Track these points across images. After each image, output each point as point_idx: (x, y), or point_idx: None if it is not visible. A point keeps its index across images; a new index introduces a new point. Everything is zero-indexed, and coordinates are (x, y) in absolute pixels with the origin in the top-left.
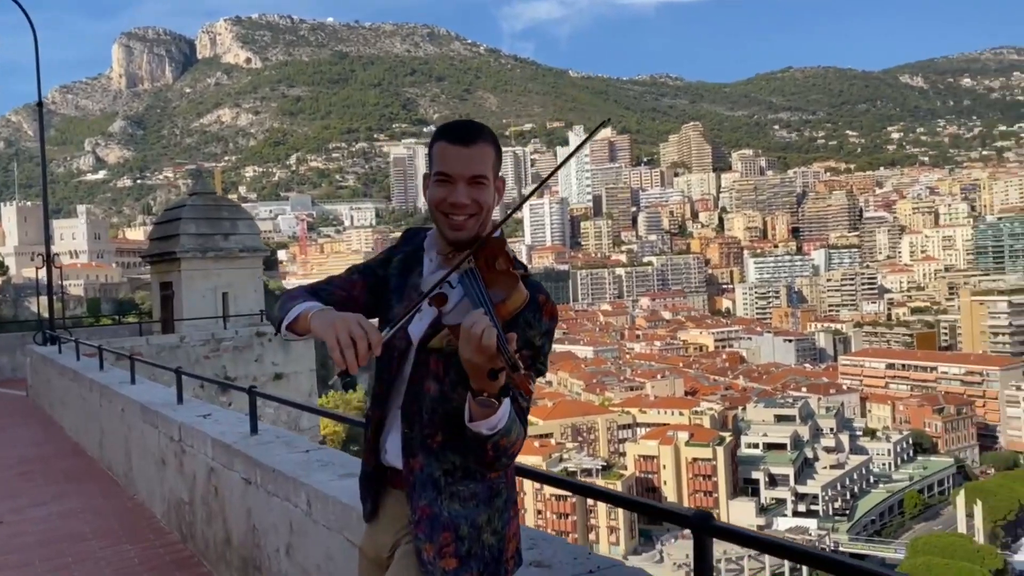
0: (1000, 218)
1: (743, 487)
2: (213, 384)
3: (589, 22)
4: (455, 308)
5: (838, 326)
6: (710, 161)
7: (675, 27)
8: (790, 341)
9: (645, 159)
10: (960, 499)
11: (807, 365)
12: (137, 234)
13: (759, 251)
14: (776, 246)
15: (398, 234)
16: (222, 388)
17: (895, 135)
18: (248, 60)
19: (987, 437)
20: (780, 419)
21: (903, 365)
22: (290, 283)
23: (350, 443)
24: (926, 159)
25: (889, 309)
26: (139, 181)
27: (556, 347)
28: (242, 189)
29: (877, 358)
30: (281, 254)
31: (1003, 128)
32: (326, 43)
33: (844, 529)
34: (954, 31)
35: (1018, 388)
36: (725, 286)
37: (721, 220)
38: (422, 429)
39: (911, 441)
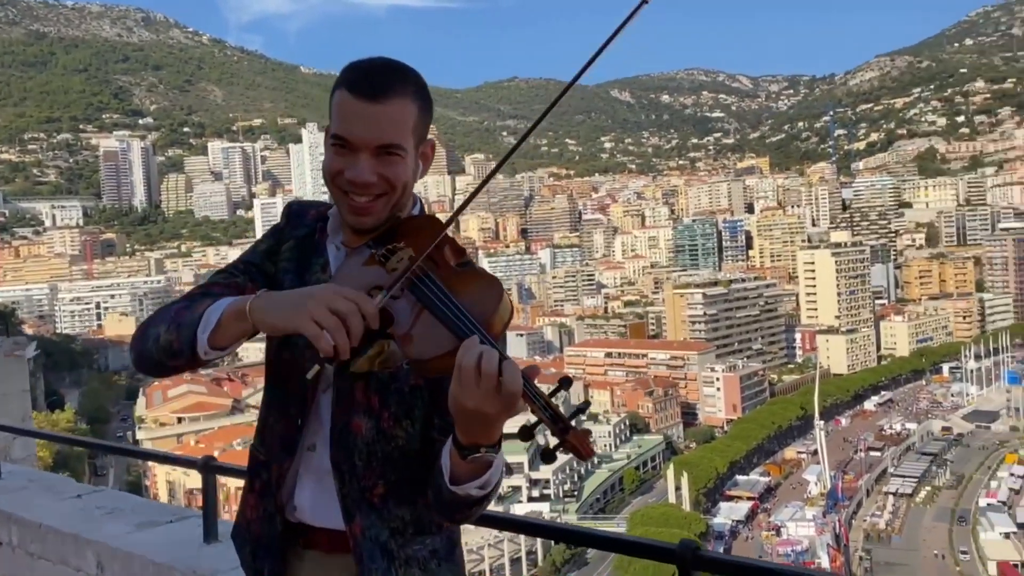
0: (694, 220)
1: None
2: None
3: (320, 19)
4: (414, 325)
5: (564, 320)
6: (445, 164)
7: (406, 30)
8: (522, 335)
9: None
10: (669, 472)
11: (537, 357)
12: None
13: (493, 251)
14: (508, 246)
15: (111, 235)
16: None
17: (607, 144)
18: None
19: (689, 415)
20: None
21: (619, 353)
22: None
23: (58, 468)
24: (634, 167)
25: (606, 303)
26: None
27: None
28: None
29: (597, 348)
30: None
31: (695, 140)
32: (19, 21)
33: (573, 510)
34: (655, 51)
35: (712, 370)
36: None
37: (457, 221)
38: (357, 481)
39: (628, 423)
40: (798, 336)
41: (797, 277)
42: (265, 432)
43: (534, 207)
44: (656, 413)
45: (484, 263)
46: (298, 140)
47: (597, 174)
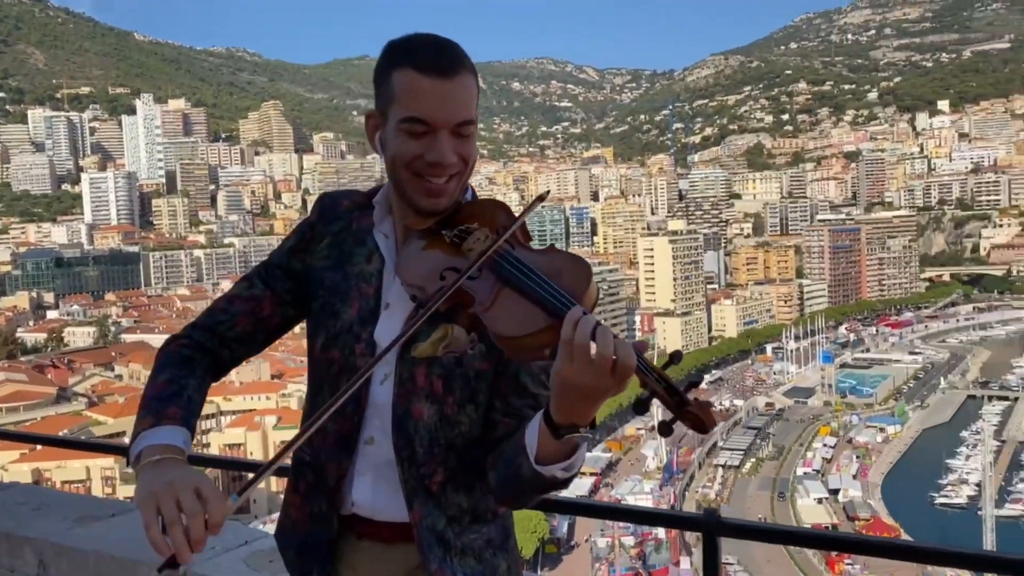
0: (543, 207)
1: None
2: None
3: None
4: (495, 303)
5: None
6: (292, 142)
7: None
8: None
9: (224, 135)
10: None
11: None
12: None
13: None
14: None
15: None
16: None
17: None
18: None
19: None
20: None
21: None
22: None
23: None
24: (485, 152)
25: None
26: None
27: (127, 336)
28: None
29: None
30: None
31: (544, 128)
32: None
33: None
34: (505, 39)
35: None
36: None
37: (304, 201)
38: (417, 468)
39: None
40: (638, 318)
41: (638, 263)
42: (314, 432)
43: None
44: None
45: None
46: (132, 111)
47: None
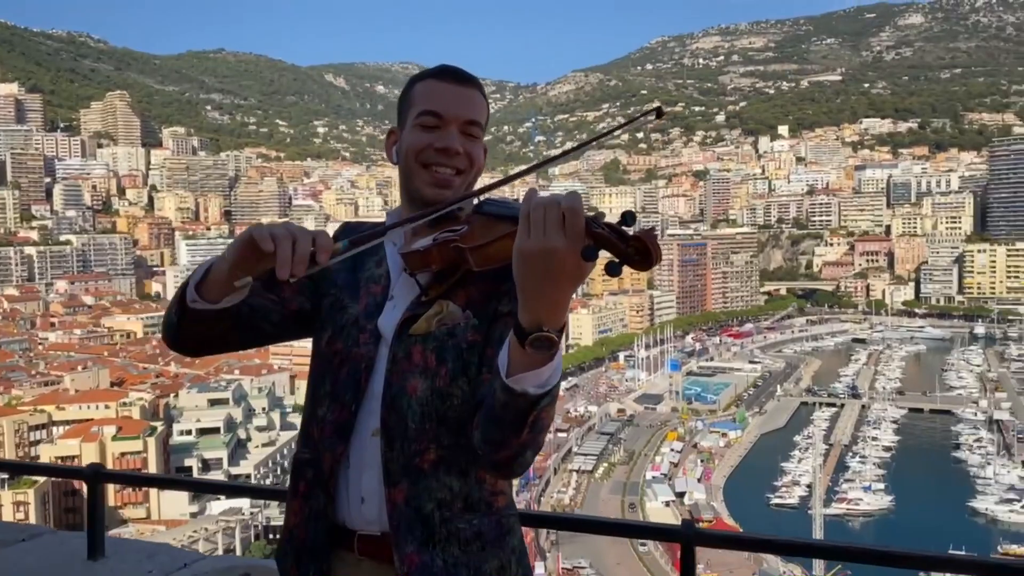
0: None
1: (176, 476)
2: None
3: None
4: (470, 228)
5: None
6: (139, 135)
7: None
8: None
9: (62, 125)
10: None
11: None
12: None
13: (192, 233)
14: (209, 228)
15: None
16: None
17: (321, 129)
18: None
19: None
20: (213, 403)
21: None
22: None
23: None
24: (347, 154)
25: None
26: None
27: None
28: None
29: (305, 337)
30: None
31: None
32: None
33: (275, 505)
34: (369, 41)
35: None
36: (156, 269)
37: (151, 199)
38: (407, 445)
39: None
40: None
41: None
42: (312, 427)
43: (240, 188)
44: None
45: (181, 246)
46: None
47: (309, 159)
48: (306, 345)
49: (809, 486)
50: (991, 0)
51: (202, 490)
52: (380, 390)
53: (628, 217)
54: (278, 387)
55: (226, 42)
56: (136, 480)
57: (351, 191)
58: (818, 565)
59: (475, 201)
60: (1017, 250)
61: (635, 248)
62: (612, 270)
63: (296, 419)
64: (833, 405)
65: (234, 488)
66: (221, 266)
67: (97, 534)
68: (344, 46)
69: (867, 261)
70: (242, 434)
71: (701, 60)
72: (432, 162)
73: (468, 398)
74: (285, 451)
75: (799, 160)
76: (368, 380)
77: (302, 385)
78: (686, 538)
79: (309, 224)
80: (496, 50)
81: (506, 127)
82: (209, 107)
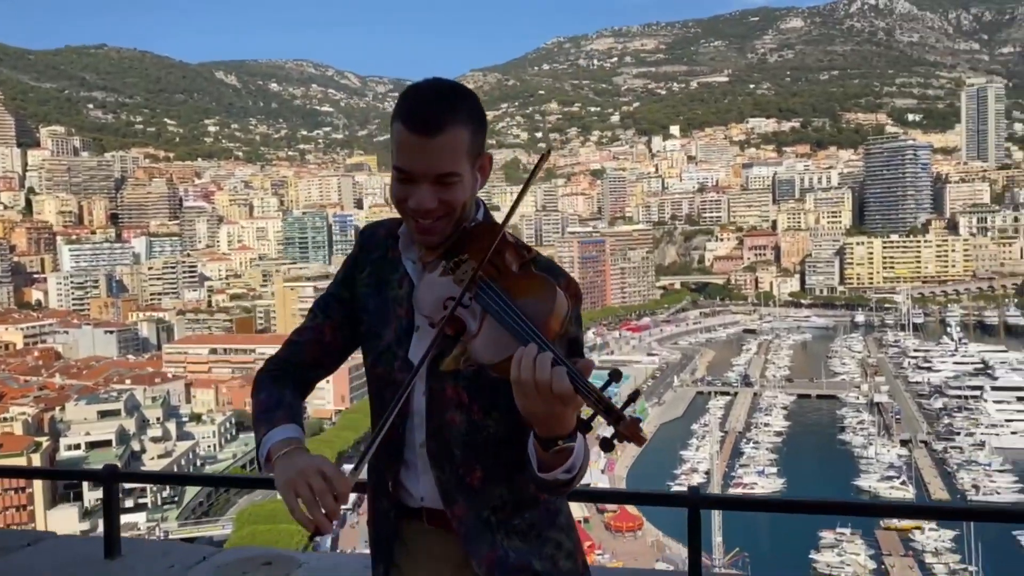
0: (304, 212)
1: (63, 493)
2: None
3: None
4: (480, 330)
5: (161, 315)
6: (14, 135)
7: None
8: (112, 332)
9: None
10: None
11: (131, 356)
12: None
13: (75, 237)
14: (94, 232)
15: None
16: None
17: (212, 128)
18: None
19: None
20: (104, 415)
21: (225, 349)
22: None
23: None
24: (241, 154)
25: (210, 296)
26: None
27: None
28: None
29: (200, 344)
30: None
31: (304, 132)
32: None
33: (174, 516)
34: (262, 37)
35: None
36: (36, 275)
37: (29, 202)
38: (455, 469)
39: (234, 421)
40: None
41: None
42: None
43: (127, 190)
44: None
45: (64, 251)
46: None
47: (200, 159)
48: (200, 353)
49: (707, 472)
50: (863, 6)
51: (224, 484)
52: (420, 408)
53: (614, 375)
54: (173, 396)
55: (108, 37)
56: (153, 479)
57: (245, 191)
58: (718, 548)
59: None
60: (892, 242)
61: (621, 435)
62: (606, 447)
63: (193, 429)
64: (727, 394)
65: (252, 481)
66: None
67: (114, 534)
68: (235, 43)
69: (755, 255)
70: (136, 446)
71: (596, 61)
72: (410, 215)
73: (502, 424)
74: (183, 461)
75: (690, 159)
76: (412, 403)
77: (199, 393)
78: (692, 503)
79: (202, 227)
80: (394, 49)
81: None
82: (91, 105)
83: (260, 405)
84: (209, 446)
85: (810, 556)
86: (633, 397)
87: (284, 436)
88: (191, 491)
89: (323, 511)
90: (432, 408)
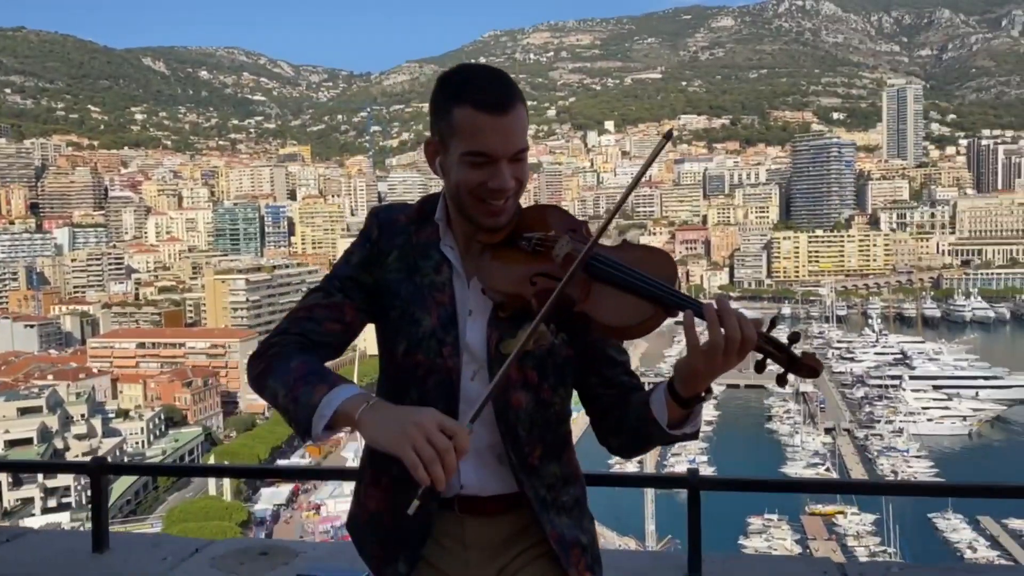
0: (235, 203)
1: None
2: None
3: None
4: (585, 297)
5: (86, 308)
6: None
7: None
8: (32, 326)
9: None
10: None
11: (53, 351)
12: None
13: None
14: (12, 222)
15: None
16: None
17: (139, 116)
18: None
19: (230, 404)
20: (24, 412)
21: (153, 343)
22: None
23: None
24: (169, 143)
25: (137, 289)
26: None
27: None
28: None
29: (127, 338)
30: None
31: (236, 122)
32: None
33: (120, 520)
34: (192, 24)
35: None
36: None
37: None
38: (520, 449)
39: (163, 416)
40: None
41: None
42: None
43: (48, 179)
44: (195, 404)
45: None
46: None
47: (127, 147)
48: (127, 347)
49: (640, 463)
50: (791, 7)
51: (215, 475)
52: (471, 396)
53: (794, 337)
54: (98, 392)
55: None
56: (141, 470)
57: (174, 181)
58: (651, 536)
59: (571, 246)
60: (816, 237)
61: (804, 368)
62: (781, 382)
63: (120, 425)
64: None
65: (262, 471)
66: (347, 423)
67: (102, 527)
68: (163, 29)
69: (687, 249)
70: (59, 444)
71: (532, 55)
72: (486, 197)
73: (566, 400)
74: (110, 459)
75: (624, 154)
76: (459, 388)
77: (125, 389)
78: (692, 484)
79: (128, 217)
80: (327, 37)
81: (340, 116)
82: (9, 90)
83: (301, 369)
84: (137, 442)
85: (739, 542)
86: (795, 338)
87: (355, 391)
88: (119, 488)
89: (443, 467)
90: (496, 392)
